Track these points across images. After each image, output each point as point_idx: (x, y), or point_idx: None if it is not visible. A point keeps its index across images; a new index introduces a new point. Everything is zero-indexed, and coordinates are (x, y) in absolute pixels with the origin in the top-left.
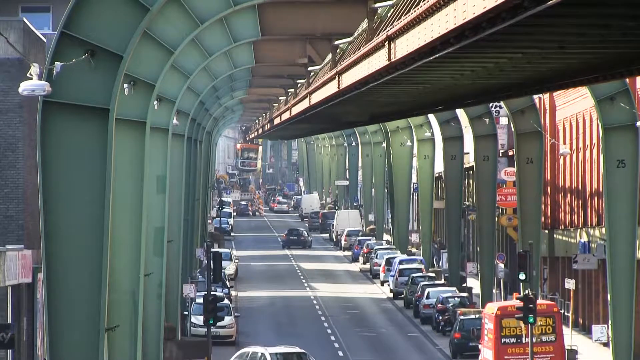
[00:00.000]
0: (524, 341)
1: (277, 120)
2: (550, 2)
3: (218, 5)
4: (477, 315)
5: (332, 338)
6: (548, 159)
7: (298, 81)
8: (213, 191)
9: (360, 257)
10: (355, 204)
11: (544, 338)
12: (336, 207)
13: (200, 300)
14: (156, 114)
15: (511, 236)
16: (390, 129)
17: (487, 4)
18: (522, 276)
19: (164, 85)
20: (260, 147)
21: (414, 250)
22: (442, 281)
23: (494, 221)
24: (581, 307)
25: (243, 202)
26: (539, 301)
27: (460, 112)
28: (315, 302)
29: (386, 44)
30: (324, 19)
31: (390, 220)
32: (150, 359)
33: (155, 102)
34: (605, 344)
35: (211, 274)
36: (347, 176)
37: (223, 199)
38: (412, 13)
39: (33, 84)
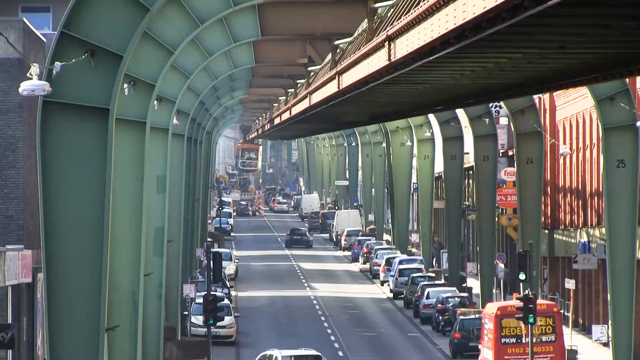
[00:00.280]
0: (524, 341)
1: (277, 120)
2: (550, 2)
3: (218, 5)
4: (477, 315)
5: (332, 338)
6: (548, 159)
7: (298, 81)
8: (213, 191)
9: (360, 257)
10: (355, 204)
11: (544, 338)
12: (336, 207)
13: (200, 300)
14: (156, 114)
15: (511, 236)
16: (390, 129)
17: (487, 4)
18: (522, 276)
19: (164, 85)
20: (261, 147)
21: (414, 250)
22: (442, 281)
23: (494, 221)
24: (581, 307)
25: (243, 202)
26: (539, 301)
27: (460, 112)
28: (315, 302)
29: (386, 44)
30: (324, 19)
31: (390, 220)
32: (150, 359)
33: (155, 102)
34: (605, 344)
35: (211, 274)
36: (347, 176)
37: (223, 199)
38: (412, 13)
39: (33, 84)
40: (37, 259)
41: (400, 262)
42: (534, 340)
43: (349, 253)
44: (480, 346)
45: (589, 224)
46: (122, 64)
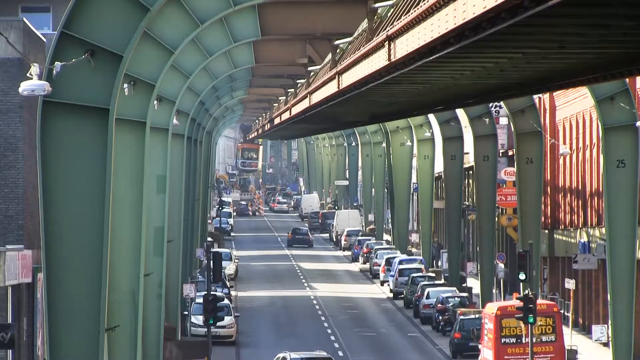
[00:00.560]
0: (524, 341)
1: (277, 120)
2: (550, 2)
3: (218, 5)
4: (477, 315)
5: (332, 338)
6: (548, 159)
7: (298, 81)
8: (213, 191)
9: (360, 257)
10: (355, 204)
11: (544, 338)
12: (336, 207)
13: (200, 300)
14: (156, 114)
15: (511, 236)
16: (390, 129)
17: (487, 4)
18: (522, 276)
19: (164, 85)
20: (261, 147)
21: (413, 250)
22: (442, 281)
23: (494, 221)
24: (581, 307)
25: (243, 202)
26: (539, 301)
27: (460, 112)
28: (315, 302)
29: (386, 44)
30: (324, 19)
31: (390, 220)
32: (150, 359)
33: (155, 102)
34: (605, 344)
35: (211, 274)
36: (347, 176)
37: (223, 199)
38: (412, 13)
39: (33, 84)
40: (37, 258)
41: (400, 262)
42: (534, 340)
43: (349, 253)
44: (480, 346)
45: (589, 224)
46: (122, 64)
